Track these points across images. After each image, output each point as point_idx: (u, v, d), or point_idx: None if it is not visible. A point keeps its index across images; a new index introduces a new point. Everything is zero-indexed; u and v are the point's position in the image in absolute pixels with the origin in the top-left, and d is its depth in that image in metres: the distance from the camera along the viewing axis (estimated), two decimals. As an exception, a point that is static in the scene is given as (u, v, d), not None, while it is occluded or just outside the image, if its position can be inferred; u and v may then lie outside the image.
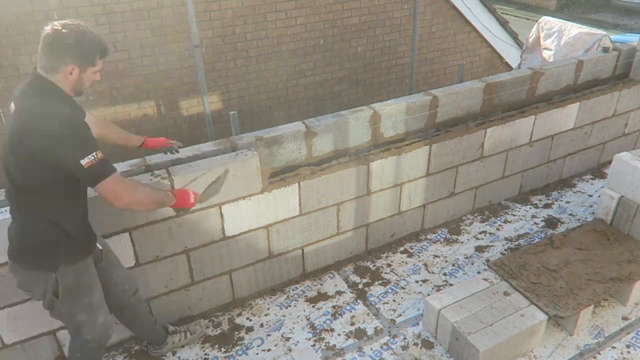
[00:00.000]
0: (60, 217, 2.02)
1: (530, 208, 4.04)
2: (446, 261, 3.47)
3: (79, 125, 1.89)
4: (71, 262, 2.08)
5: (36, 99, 1.88)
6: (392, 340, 2.86)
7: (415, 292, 3.21)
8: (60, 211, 2.02)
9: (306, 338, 2.89)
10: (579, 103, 4.05)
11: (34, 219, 2.00)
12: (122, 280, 2.43)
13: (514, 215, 3.96)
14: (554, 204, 4.09)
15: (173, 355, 2.79)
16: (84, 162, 1.83)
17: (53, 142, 1.82)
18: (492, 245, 3.61)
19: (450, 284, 3.26)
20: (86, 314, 2.20)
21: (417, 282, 3.30)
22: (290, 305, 3.12)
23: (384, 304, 3.12)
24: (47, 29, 1.87)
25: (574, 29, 6.30)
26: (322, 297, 3.18)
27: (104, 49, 1.99)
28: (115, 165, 2.66)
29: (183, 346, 2.82)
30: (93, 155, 1.85)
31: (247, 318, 3.04)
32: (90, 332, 2.24)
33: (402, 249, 3.60)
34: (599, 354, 2.75)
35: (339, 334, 2.91)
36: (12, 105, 1.94)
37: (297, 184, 3.00)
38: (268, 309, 3.10)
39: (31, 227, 2.01)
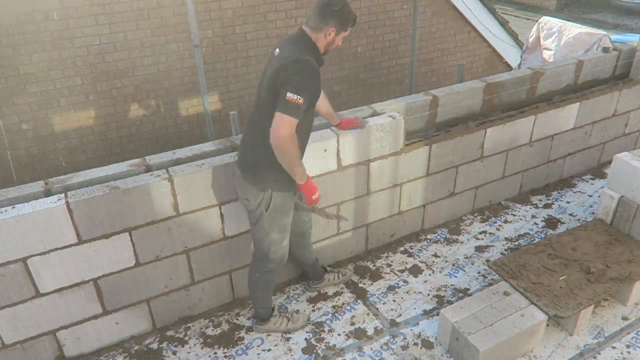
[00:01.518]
0: None
1: (530, 208, 4.04)
2: (446, 261, 3.47)
3: (313, 74, 2.32)
4: (277, 190, 2.51)
5: (297, 49, 2.37)
6: (392, 340, 2.86)
7: (415, 292, 3.21)
8: None
9: (306, 338, 2.89)
10: (579, 103, 4.05)
11: (264, 145, 2.36)
12: (306, 213, 2.88)
13: (514, 215, 3.95)
14: (554, 204, 4.09)
15: (174, 355, 2.79)
16: (289, 95, 2.22)
17: (288, 75, 2.26)
18: (492, 245, 3.61)
19: (451, 284, 3.26)
20: (279, 234, 2.63)
21: (416, 282, 3.29)
22: (290, 305, 3.12)
23: (383, 304, 3.12)
24: None
25: (574, 29, 6.31)
26: (322, 297, 3.18)
27: (354, 20, 2.46)
28: (114, 165, 2.69)
29: (336, 285, 3.23)
30: (298, 97, 2.23)
31: (247, 318, 3.04)
32: (276, 251, 2.67)
33: (402, 249, 3.60)
34: (599, 354, 2.75)
35: (339, 334, 2.91)
36: (277, 50, 2.44)
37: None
38: (268, 309, 3.10)
39: (260, 149, 2.42)
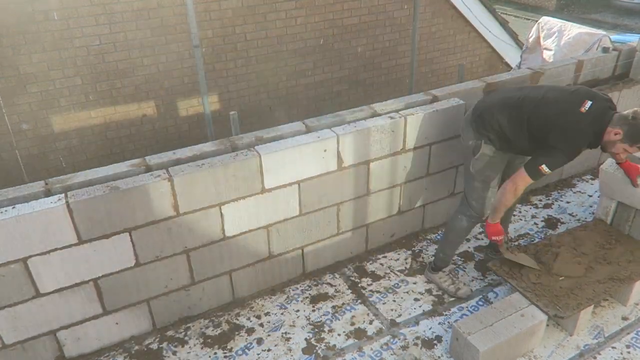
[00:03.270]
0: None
1: (530, 208, 4.04)
2: (446, 261, 3.47)
3: (574, 153, 2.61)
4: (490, 139, 2.84)
5: (591, 127, 2.58)
6: (392, 340, 2.87)
7: (415, 292, 3.21)
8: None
9: (306, 338, 2.89)
10: (579, 103, 4.04)
11: (511, 130, 2.76)
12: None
13: (514, 215, 3.95)
14: (553, 204, 4.09)
15: (174, 355, 2.79)
16: (545, 165, 2.56)
17: (562, 143, 2.57)
18: (492, 245, 3.61)
19: (450, 284, 3.26)
20: (481, 183, 2.95)
21: (416, 282, 3.30)
22: (290, 305, 3.12)
23: (383, 304, 3.12)
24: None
25: (574, 29, 6.31)
26: (322, 297, 3.18)
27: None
28: (115, 165, 2.69)
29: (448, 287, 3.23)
30: (548, 168, 2.57)
31: (247, 318, 3.04)
32: (477, 200, 2.99)
33: (402, 249, 3.60)
34: (599, 354, 2.75)
35: (339, 334, 2.91)
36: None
37: (297, 184, 3.00)
38: (268, 309, 3.10)
39: (501, 128, 2.79)
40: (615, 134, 2.54)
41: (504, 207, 2.78)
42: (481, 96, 3.68)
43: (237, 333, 2.93)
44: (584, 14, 19.59)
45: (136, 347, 2.85)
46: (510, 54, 8.67)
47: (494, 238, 2.88)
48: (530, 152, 2.75)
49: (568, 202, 4.11)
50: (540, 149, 2.65)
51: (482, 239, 3.67)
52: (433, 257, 3.27)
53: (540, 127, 2.65)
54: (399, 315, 3.03)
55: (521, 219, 3.90)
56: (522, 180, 2.65)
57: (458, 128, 3.44)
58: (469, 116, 2.96)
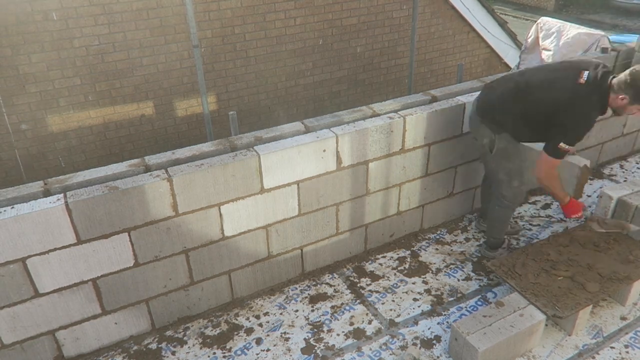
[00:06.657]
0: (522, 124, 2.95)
1: (530, 208, 4.05)
2: (445, 261, 3.47)
3: (588, 125, 2.74)
4: (505, 132, 2.97)
5: (594, 96, 2.70)
6: (391, 340, 2.87)
7: (414, 292, 3.22)
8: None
9: (305, 338, 2.89)
10: (577, 103, 4.05)
11: (522, 120, 2.92)
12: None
13: (513, 215, 3.95)
14: (553, 203, 4.10)
15: (172, 355, 2.79)
16: (563, 142, 2.71)
17: (571, 119, 2.70)
18: (491, 246, 3.62)
19: (449, 284, 3.27)
20: (505, 176, 3.11)
21: (415, 282, 3.30)
22: (289, 306, 3.13)
23: (382, 304, 3.12)
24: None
25: (572, 30, 6.32)
26: (321, 297, 3.18)
27: None
28: (114, 165, 2.70)
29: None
30: (567, 145, 2.71)
31: (247, 318, 3.04)
32: (506, 190, 3.14)
33: (401, 249, 3.60)
34: (598, 354, 2.76)
35: (337, 334, 2.91)
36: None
37: (296, 184, 3.00)
38: (267, 309, 3.11)
39: (514, 121, 2.94)
40: (622, 99, 2.67)
41: (557, 188, 2.98)
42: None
43: (236, 333, 2.93)
44: (583, 14, 19.63)
45: (135, 347, 2.85)
46: (509, 54, 8.69)
47: (573, 216, 3.10)
48: (546, 134, 2.84)
49: (567, 202, 4.11)
50: (555, 127, 2.75)
51: (481, 239, 3.68)
52: (485, 239, 3.53)
53: (547, 110, 2.78)
54: (398, 315, 3.03)
55: (520, 219, 3.90)
56: (548, 163, 2.82)
57: (457, 128, 3.47)
58: (476, 114, 3.06)
